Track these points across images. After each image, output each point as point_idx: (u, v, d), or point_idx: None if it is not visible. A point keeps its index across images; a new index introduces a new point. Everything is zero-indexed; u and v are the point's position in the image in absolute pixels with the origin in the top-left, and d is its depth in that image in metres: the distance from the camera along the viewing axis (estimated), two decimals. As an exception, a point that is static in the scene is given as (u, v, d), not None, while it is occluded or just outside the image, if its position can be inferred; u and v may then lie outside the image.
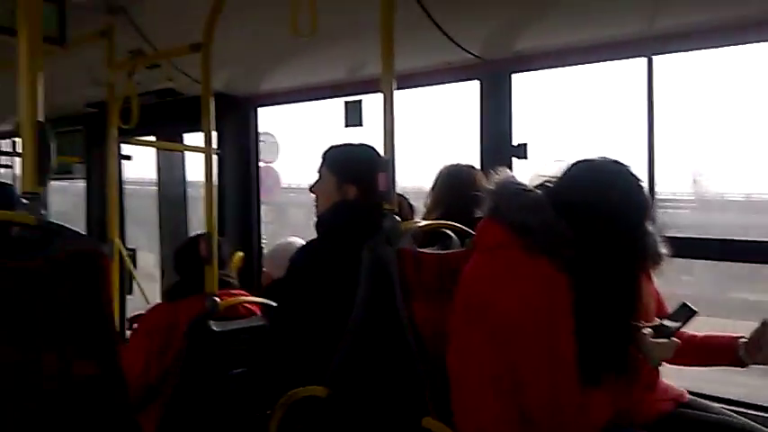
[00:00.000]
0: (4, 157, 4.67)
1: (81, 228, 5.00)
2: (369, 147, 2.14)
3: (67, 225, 1.35)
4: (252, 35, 2.94)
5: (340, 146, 2.18)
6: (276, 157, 7.47)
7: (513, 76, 2.86)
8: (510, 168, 2.81)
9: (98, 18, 2.92)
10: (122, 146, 3.37)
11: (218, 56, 2.65)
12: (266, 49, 3.07)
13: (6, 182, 1.33)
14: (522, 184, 1.56)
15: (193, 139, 4.17)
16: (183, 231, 4.49)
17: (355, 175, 2.06)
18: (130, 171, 4.54)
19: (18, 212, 1.24)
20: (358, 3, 2.40)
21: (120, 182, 4.34)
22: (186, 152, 4.44)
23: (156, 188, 4.76)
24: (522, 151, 2.85)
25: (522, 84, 2.90)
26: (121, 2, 2.87)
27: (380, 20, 1.91)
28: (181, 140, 4.31)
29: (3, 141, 5.37)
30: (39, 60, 1.31)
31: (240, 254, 3.17)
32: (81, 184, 4.86)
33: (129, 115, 3.00)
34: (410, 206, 2.48)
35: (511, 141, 2.86)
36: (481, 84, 2.92)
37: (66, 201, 6.06)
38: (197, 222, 4.30)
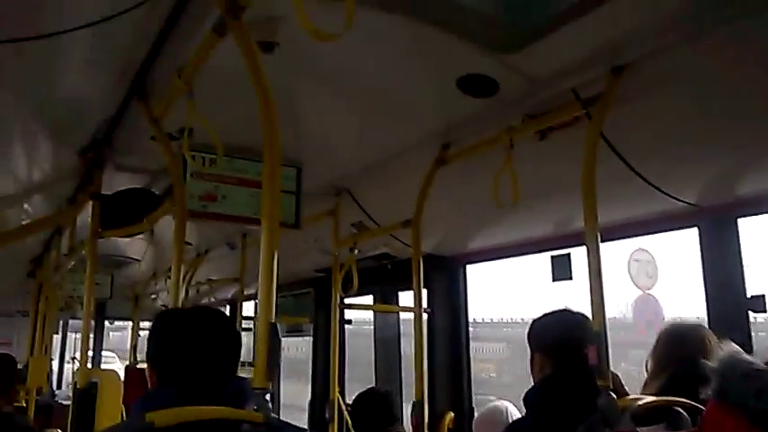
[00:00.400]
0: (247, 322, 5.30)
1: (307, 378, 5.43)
2: (570, 313, 2.02)
3: (292, 423, 1.45)
4: (458, 205, 3.15)
5: (538, 318, 2.09)
6: (654, 282, 6.02)
7: (740, 220, 2.64)
8: (746, 323, 2.52)
9: (326, 199, 3.36)
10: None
11: (428, 224, 2.88)
12: (471, 215, 3.25)
13: (243, 376, 1.50)
14: (753, 363, 1.32)
15: (409, 296, 4.42)
16: (397, 389, 4.60)
17: (550, 348, 1.96)
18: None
19: (248, 411, 1.37)
20: (558, 164, 2.47)
21: (343, 342, 4.69)
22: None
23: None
24: (760, 304, 2.53)
25: (753, 228, 2.66)
26: (346, 185, 3.29)
27: (582, 178, 1.95)
28: (396, 298, 4.58)
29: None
30: (276, 242, 1.51)
31: (451, 414, 3.16)
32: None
33: (350, 279, 3.33)
34: (621, 381, 2.24)
35: (745, 293, 2.57)
36: (700, 231, 2.73)
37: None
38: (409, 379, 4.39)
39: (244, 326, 4.91)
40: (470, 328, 4.04)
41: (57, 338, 9.03)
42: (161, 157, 2.53)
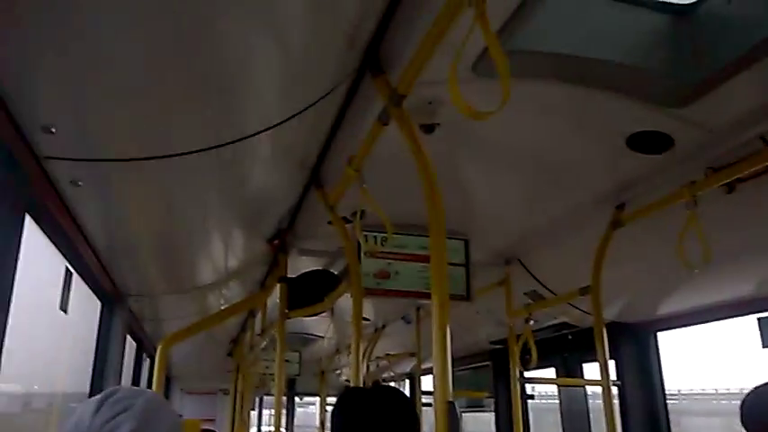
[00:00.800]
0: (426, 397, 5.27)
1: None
2: None
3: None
4: (640, 268, 2.94)
5: (752, 391, 1.85)
6: None
7: None
8: None
9: (497, 269, 3.32)
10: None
11: (609, 290, 2.71)
12: (657, 278, 3.00)
13: None
14: None
15: (595, 368, 4.13)
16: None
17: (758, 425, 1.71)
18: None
19: None
20: (753, 217, 2.23)
21: (527, 418, 4.47)
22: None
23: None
24: None
25: None
26: (516, 254, 3.23)
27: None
28: (581, 370, 4.30)
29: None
30: (446, 316, 1.52)
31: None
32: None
33: (528, 351, 3.20)
34: None
35: None
36: None
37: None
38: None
39: (424, 401, 4.90)
40: (669, 401, 3.65)
41: (253, 414, 9.65)
42: (337, 240, 2.70)
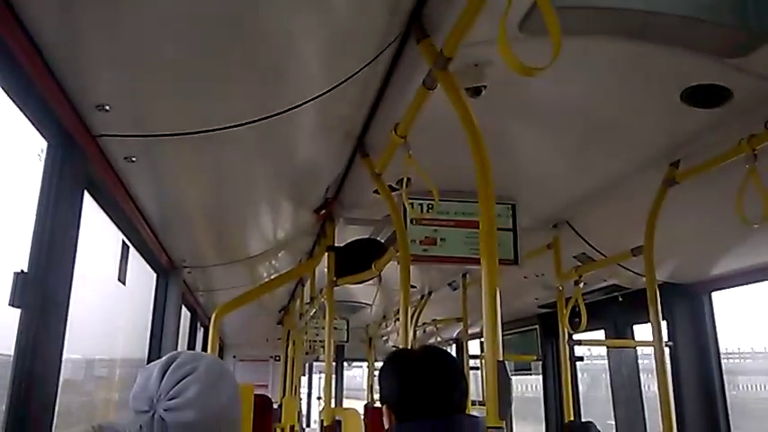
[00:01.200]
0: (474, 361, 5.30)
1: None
2: None
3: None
4: (694, 227, 2.86)
5: None
6: None
7: None
8: None
9: (545, 233, 3.28)
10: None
11: (661, 250, 2.65)
12: (712, 237, 2.92)
13: (475, 415, 1.50)
14: None
15: (646, 329, 4.08)
16: (641, 430, 4.21)
17: None
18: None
19: None
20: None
21: (575, 380, 4.46)
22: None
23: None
24: None
25: None
26: (564, 216, 3.19)
27: None
28: (631, 332, 4.25)
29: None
30: (495, 281, 1.51)
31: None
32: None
33: (577, 314, 3.18)
34: None
35: None
36: None
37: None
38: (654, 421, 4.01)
39: (471, 365, 4.93)
40: (729, 360, 3.59)
41: (304, 380, 9.90)
42: (383, 208, 2.71)
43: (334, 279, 3.25)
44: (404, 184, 2.23)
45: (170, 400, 1.09)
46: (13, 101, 1.49)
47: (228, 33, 1.48)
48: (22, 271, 1.56)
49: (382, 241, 3.39)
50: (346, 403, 9.20)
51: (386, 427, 1.53)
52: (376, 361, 7.68)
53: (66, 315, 1.75)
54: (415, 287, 4.90)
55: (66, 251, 1.76)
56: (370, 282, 3.68)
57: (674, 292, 3.49)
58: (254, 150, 2.23)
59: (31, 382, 1.56)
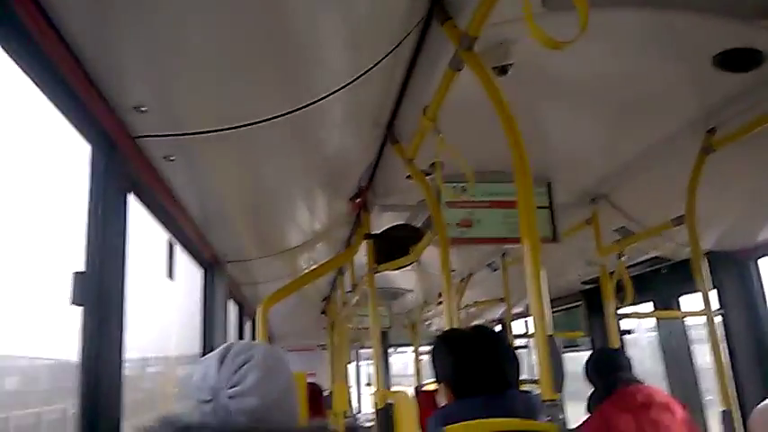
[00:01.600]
0: (519, 340, 5.28)
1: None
2: None
3: None
4: (736, 194, 2.80)
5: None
6: None
7: None
8: None
9: (582, 209, 3.24)
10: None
11: (703, 219, 2.61)
12: (755, 203, 2.85)
13: (528, 390, 1.52)
14: None
15: (693, 300, 4.00)
16: (696, 398, 4.14)
17: None
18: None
19: (541, 422, 1.40)
20: None
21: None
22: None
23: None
24: None
25: None
26: (602, 191, 3.15)
27: None
28: (677, 304, 4.19)
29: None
30: (538, 258, 1.51)
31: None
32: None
33: (622, 288, 3.14)
34: None
35: None
36: None
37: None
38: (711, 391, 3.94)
39: (516, 344, 4.93)
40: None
41: (351, 367, 10.02)
42: (417, 193, 2.72)
43: (375, 266, 3.28)
44: (437, 167, 2.24)
45: (231, 387, 1.13)
46: (57, 106, 1.54)
47: (258, 28, 1.51)
48: (81, 271, 1.64)
49: (418, 226, 3.40)
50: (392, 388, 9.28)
51: (443, 404, 1.56)
52: (420, 345, 7.71)
53: (123, 311, 1.83)
54: (454, 270, 4.90)
55: (117, 251, 1.83)
56: (409, 268, 3.71)
57: (720, 260, 3.42)
58: (286, 144, 2.27)
59: (97, 375, 1.64)
